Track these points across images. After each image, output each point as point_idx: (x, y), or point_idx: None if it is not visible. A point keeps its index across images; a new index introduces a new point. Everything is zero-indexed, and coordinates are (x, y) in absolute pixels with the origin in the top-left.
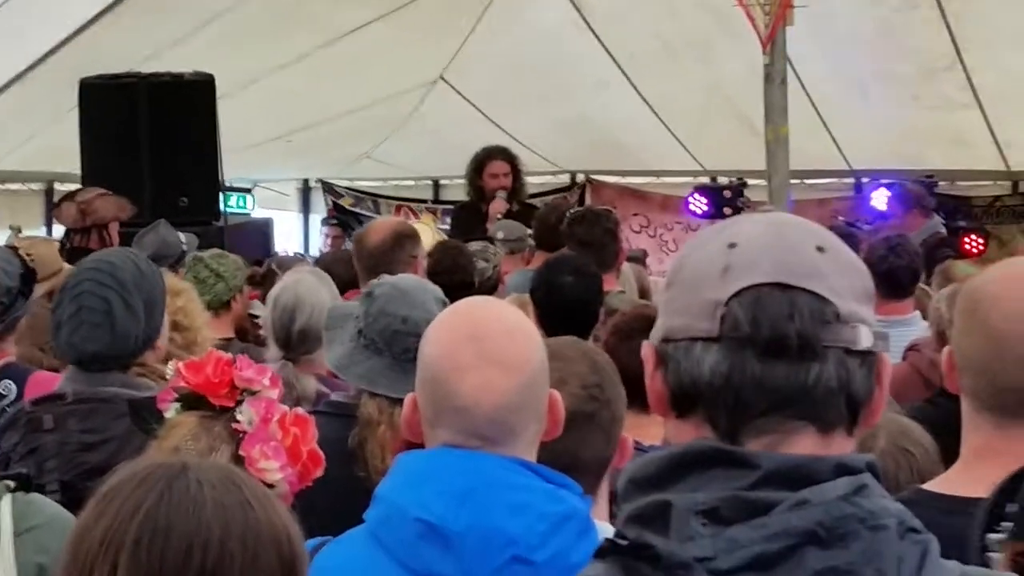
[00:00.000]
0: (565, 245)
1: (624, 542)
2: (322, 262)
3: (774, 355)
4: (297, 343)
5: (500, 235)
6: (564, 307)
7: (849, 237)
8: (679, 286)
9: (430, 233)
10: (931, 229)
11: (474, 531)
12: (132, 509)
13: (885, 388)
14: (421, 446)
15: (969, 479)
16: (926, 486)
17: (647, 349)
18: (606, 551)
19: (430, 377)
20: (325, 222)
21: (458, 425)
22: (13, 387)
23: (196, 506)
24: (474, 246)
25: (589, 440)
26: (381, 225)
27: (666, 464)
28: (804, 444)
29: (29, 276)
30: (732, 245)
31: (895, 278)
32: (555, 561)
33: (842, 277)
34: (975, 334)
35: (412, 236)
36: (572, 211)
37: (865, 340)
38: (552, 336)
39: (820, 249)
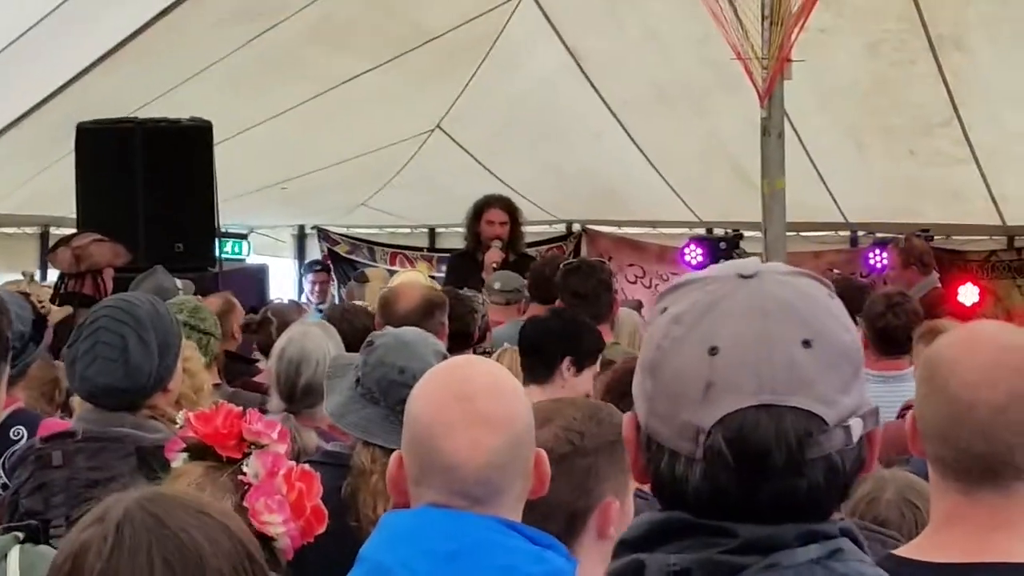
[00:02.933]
0: (559, 297)
1: None
2: (333, 317)
3: (761, 478)
4: (301, 396)
5: (497, 285)
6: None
7: (860, 291)
8: (659, 385)
9: (423, 280)
10: (928, 286)
11: None
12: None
13: (876, 453)
14: (407, 504)
15: (938, 544)
16: (896, 552)
17: (629, 426)
18: None
19: (416, 435)
20: (309, 268)
21: (444, 484)
22: (25, 432)
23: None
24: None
25: (557, 484)
26: (409, 291)
27: (650, 528)
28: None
29: (40, 322)
30: (713, 350)
31: (891, 338)
32: None
33: (830, 373)
34: (935, 400)
35: (442, 305)
36: (566, 262)
37: (856, 433)
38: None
39: (806, 344)
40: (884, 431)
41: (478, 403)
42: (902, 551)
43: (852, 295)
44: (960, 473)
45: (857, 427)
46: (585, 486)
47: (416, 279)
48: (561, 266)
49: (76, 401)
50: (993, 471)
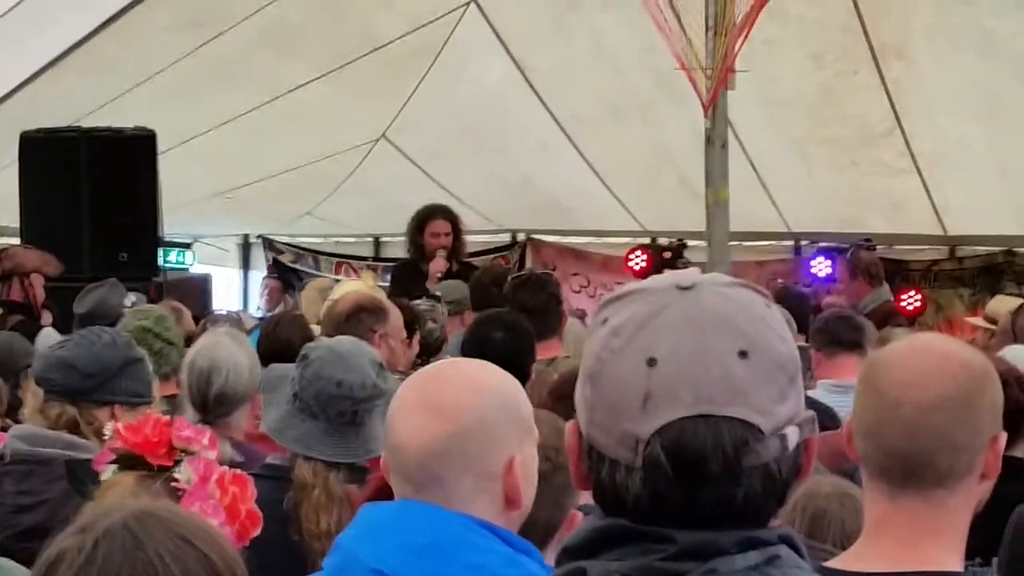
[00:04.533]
0: (507, 310)
1: None
2: (268, 325)
3: (699, 487)
4: (214, 406)
5: (439, 296)
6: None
7: (802, 298)
8: (598, 395)
9: (364, 289)
10: (879, 299)
11: None
12: None
13: (813, 459)
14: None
15: (866, 555)
16: (829, 563)
17: (571, 434)
18: None
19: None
20: (267, 275)
21: (395, 467)
22: None
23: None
24: (422, 306)
25: (539, 500)
26: (347, 297)
27: (592, 535)
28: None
29: None
30: (652, 362)
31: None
32: None
33: (766, 383)
34: (868, 398)
35: (373, 311)
36: (515, 275)
37: (792, 442)
38: None
39: (743, 354)
40: (823, 442)
41: (434, 391)
42: (833, 562)
43: (792, 303)
44: (884, 473)
45: (793, 435)
46: (561, 501)
47: (357, 288)
48: (509, 279)
49: (26, 412)
50: (915, 474)
